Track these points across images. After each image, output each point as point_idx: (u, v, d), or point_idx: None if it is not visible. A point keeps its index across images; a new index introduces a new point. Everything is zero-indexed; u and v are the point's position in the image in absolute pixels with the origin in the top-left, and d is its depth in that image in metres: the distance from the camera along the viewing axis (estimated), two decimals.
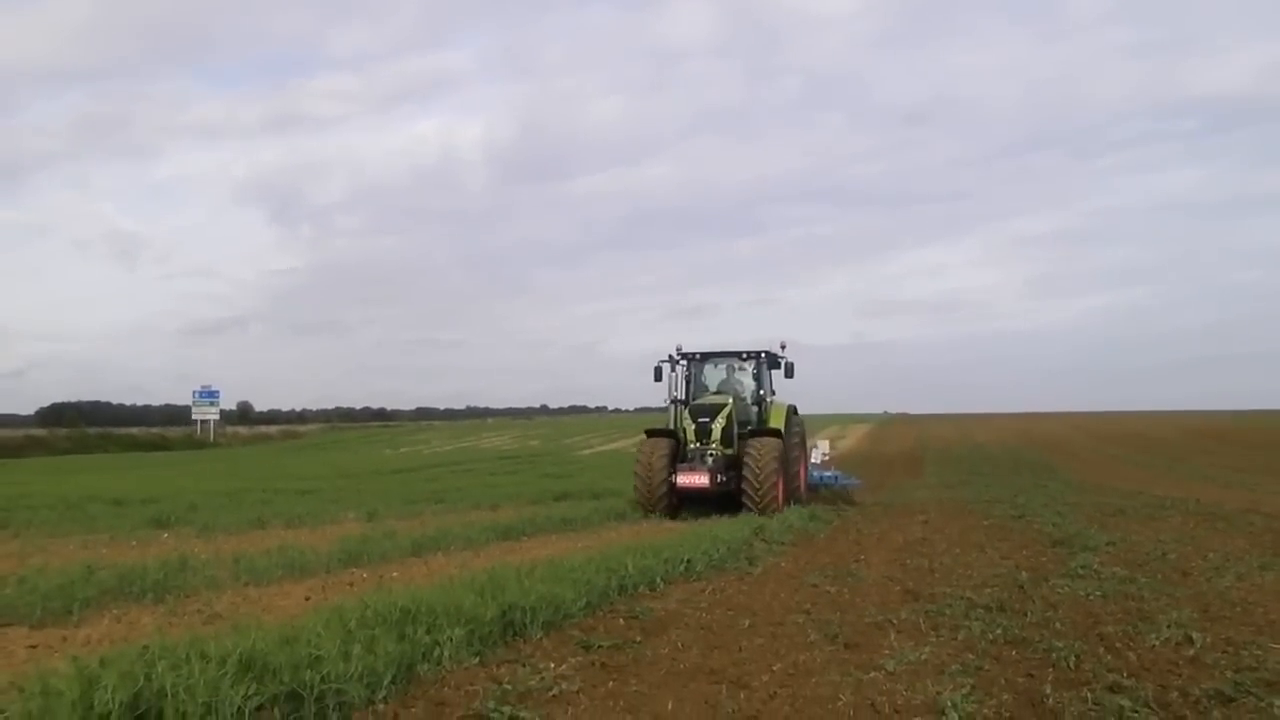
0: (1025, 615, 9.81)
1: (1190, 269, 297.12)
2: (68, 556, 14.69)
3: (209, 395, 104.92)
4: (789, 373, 25.77)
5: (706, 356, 26.60)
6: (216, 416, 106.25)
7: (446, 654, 7.77)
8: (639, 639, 8.93)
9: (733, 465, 23.55)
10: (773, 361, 26.18)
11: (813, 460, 28.77)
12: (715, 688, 7.37)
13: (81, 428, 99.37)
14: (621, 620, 9.72)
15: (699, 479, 22.84)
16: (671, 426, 25.28)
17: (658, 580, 11.82)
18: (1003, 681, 7.47)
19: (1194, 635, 8.83)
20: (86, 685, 5.90)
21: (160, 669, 6.20)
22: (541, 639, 8.80)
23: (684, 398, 25.81)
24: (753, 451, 22.91)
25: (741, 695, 7.19)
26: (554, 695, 7.09)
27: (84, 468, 52.98)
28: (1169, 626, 9.18)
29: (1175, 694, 7.16)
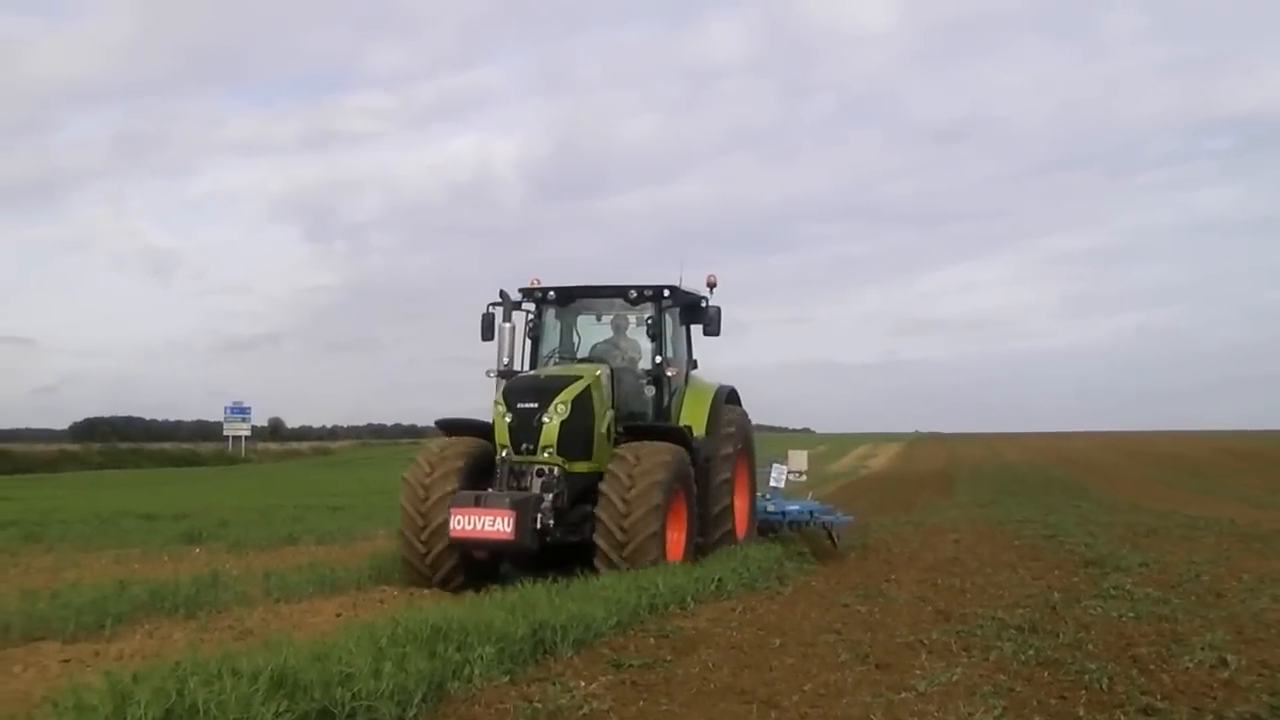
0: (1058, 636, 9.75)
1: (1224, 288, 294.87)
2: (100, 571, 14.79)
3: (240, 411, 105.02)
4: (711, 326, 16.39)
5: (570, 296, 16.69)
6: (248, 433, 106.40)
7: (477, 672, 7.78)
8: (669, 658, 8.92)
9: (587, 494, 14.10)
10: (690, 309, 16.81)
11: (773, 483, 19.69)
12: (746, 707, 7.36)
13: (114, 443, 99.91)
14: (652, 639, 9.70)
15: (494, 522, 13.01)
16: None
17: (688, 599, 11.79)
18: (1035, 703, 7.44)
19: (1229, 658, 8.76)
20: (120, 700, 5.94)
21: (192, 685, 6.23)
22: (572, 657, 8.80)
23: (532, 366, 16.47)
24: (621, 466, 13.77)
25: (772, 715, 7.18)
26: (584, 714, 7.09)
27: (116, 482, 53.31)
28: (1203, 649, 9.11)
29: (1210, 717, 7.13)
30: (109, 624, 10.53)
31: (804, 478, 22.49)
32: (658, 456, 13.98)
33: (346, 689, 6.61)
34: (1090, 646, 9.30)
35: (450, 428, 15.46)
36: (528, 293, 16.59)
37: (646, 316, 16.25)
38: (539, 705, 7.17)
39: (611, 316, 16.94)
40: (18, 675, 8.72)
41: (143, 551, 17.71)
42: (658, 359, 16.02)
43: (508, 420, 14.34)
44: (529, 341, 16.68)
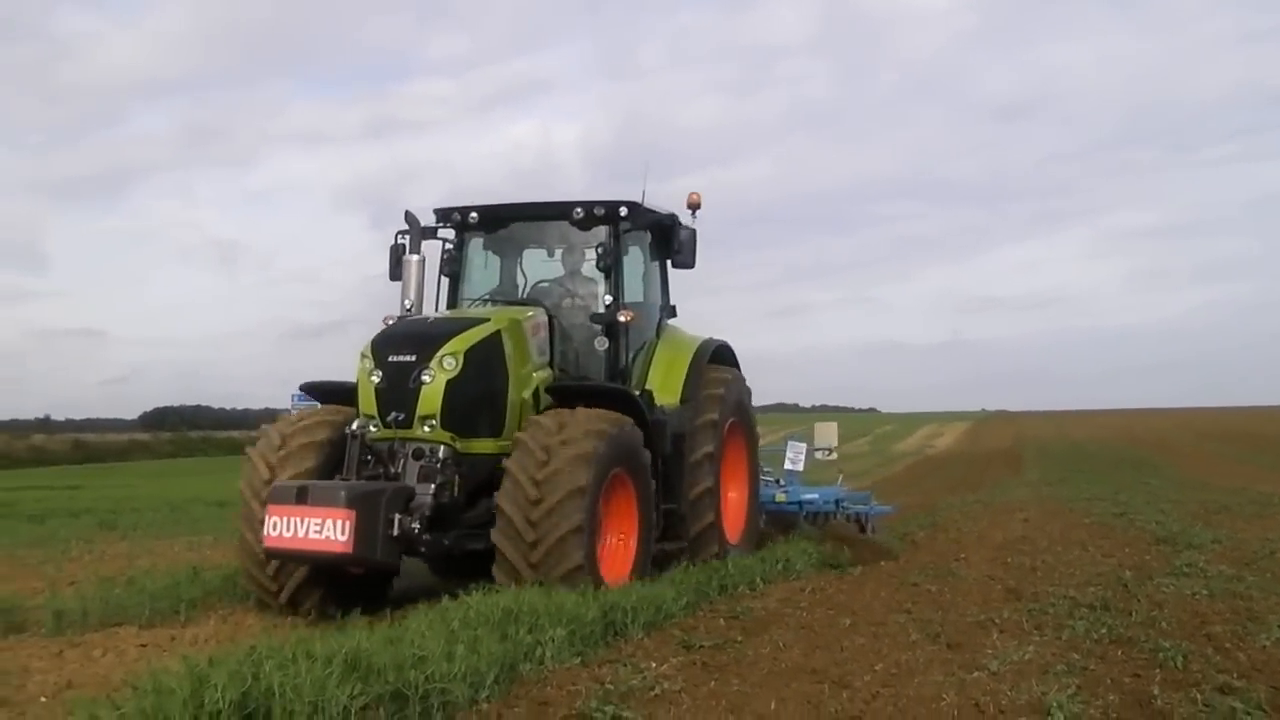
0: (1130, 614, 9.66)
1: None
2: (173, 558, 14.98)
3: (307, 399, 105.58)
4: (683, 254, 12.99)
5: (500, 218, 13.07)
6: None
7: (548, 654, 7.81)
8: (740, 638, 8.92)
9: (487, 486, 10.57)
10: (660, 236, 13.29)
11: (789, 465, 16.37)
12: (817, 687, 7.34)
13: (183, 431, 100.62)
14: (722, 620, 9.73)
15: (321, 527, 9.50)
16: None
17: (758, 579, 11.79)
18: (1109, 681, 7.37)
19: None
20: (197, 684, 6.01)
21: (268, 668, 6.30)
22: (643, 639, 8.84)
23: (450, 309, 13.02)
24: (534, 437, 10.32)
25: (844, 695, 7.15)
26: (656, 695, 7.10)
27: (186, 470, 53.82)
28: None
29: None
30: (183, 609, 10.67)
31: (834, 456, 18.69)
32: (588, 426, 10.47)
33: (419, 671, 6.66)
34: (1164, 624, 9.22)
35: (321, 392, 12.09)
36: (444, 215, 13.03)
37: (596, 244, 12.47)
38: (610, 686, 7.18)
39: (565, 249, 13.14)
40: (97, 659, 8.88)
41: (214, 538, 17.90)
42: (607, 299, 12.37)
43: (374, 380, 10.72)
44: (446, 280, 13.23)
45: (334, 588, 10.55)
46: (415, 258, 11.86)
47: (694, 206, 13.15)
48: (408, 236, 12.07)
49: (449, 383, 10.52)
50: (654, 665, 7.85)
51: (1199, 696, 6.91)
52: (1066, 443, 64.34)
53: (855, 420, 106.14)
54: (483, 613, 8.32)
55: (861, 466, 41.92)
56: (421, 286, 11.88)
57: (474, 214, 12.85)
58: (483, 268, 13.38)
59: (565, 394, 11.33)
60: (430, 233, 12.72)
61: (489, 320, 11.21)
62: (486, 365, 10.88)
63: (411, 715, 6.41)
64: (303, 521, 9.53)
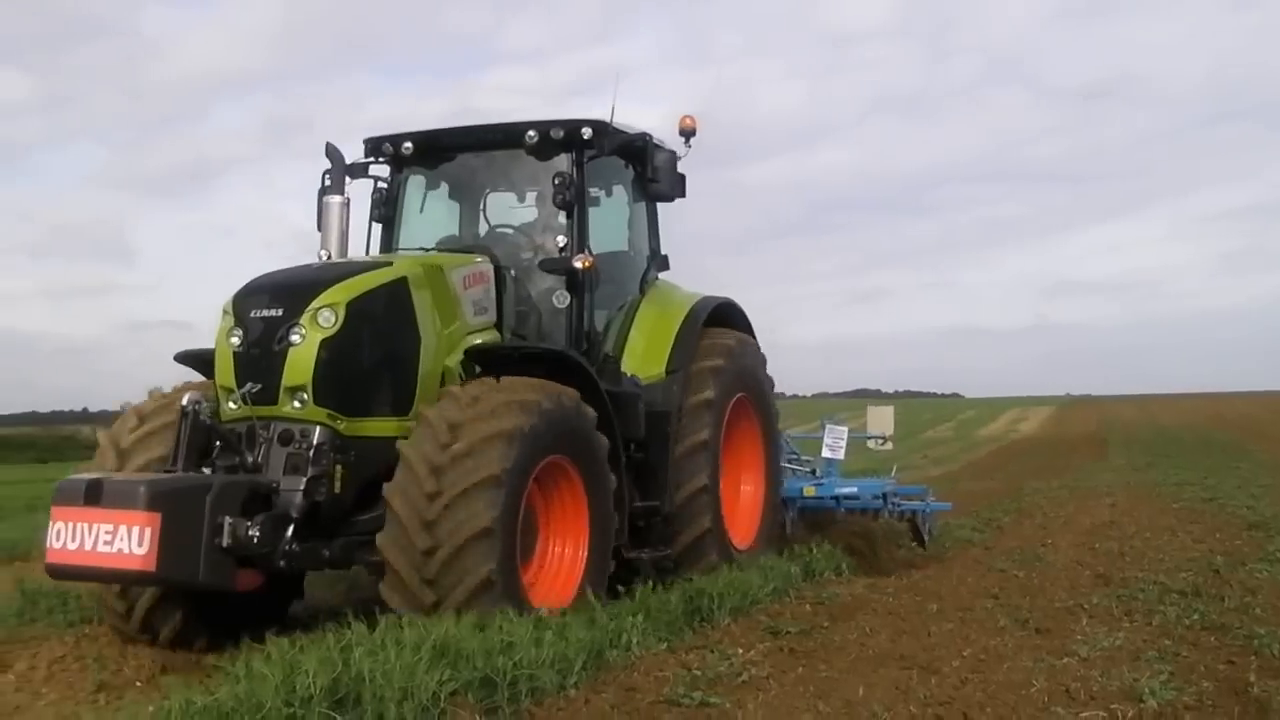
0: (1223, 600, 9.54)
1: None
2: None
3: None
4: (663, 182, 10.55)
5: (442, 147, 10.65)
6: None
7: (635, 640, 7.83)
8: (826, 624, 8.94)
9: (380, 481, 7.84)
10: (637, 163, 10.69)
11: (828, 452, 13.65)
12: (905, 673, 7.32)
13: None
14: (808, 606, 9.73)
15: (113, 538, 7.01)
16: None
17: (843, 566, 11.75)
18: (1202, 669, 7.29)
19: None
20: (288, 670, 6.09)
21: (358, 655, 6.38)
22: (729, 625, 8.86)
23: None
24: (443, 411, 7.96)
25: (932, 681, 7.12)
26: (743, 681, 7.11)
27: None
28: None
29: None
30: None
31: (889, 445, 16.07)
32: (511, 396, 8.13)
33: (508, 658, 6.69)
34: (1258, 611, 9.09)
35: (201, 361, 9.03)
36: (374, 146, 10.65)
37: (554, 176, 10.06)
38: (698, 672, 7.21)
39: (537, 192, 10.73)
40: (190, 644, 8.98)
41: None
42: (560, 241, 10.10)
43: (232, 342, 8.28)
44: (388, 224, 10.97)
45: (200, 609, 8.41)
46: (336, 199, 9.86)
47: (687, 133, 10.86)
48: (329, 176, 10.04)
49: (325, 343, 8.09)
50: (741, 651, 7.87)
51: None
52: (1153, 427, 63.35)
53: (939, 405, 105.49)
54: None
55: (946, 452, 41.66)
56: (345, 234, 9.88)
57: (408, 144, 10.46)
58: (424, 210, 11.04)
59: (489, 359, 9.06)
60: (359, 170, 10.64)
61: (389, 266, 8.96)
62: (383, 322, 8.59)
63: (500, 701, 6.44)
64: (90, 529, 7.15)
